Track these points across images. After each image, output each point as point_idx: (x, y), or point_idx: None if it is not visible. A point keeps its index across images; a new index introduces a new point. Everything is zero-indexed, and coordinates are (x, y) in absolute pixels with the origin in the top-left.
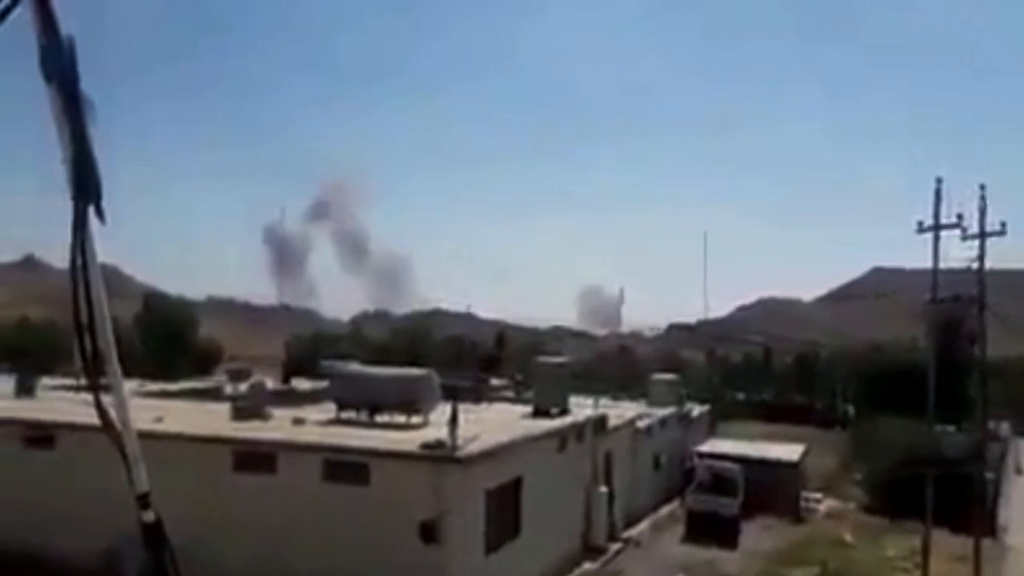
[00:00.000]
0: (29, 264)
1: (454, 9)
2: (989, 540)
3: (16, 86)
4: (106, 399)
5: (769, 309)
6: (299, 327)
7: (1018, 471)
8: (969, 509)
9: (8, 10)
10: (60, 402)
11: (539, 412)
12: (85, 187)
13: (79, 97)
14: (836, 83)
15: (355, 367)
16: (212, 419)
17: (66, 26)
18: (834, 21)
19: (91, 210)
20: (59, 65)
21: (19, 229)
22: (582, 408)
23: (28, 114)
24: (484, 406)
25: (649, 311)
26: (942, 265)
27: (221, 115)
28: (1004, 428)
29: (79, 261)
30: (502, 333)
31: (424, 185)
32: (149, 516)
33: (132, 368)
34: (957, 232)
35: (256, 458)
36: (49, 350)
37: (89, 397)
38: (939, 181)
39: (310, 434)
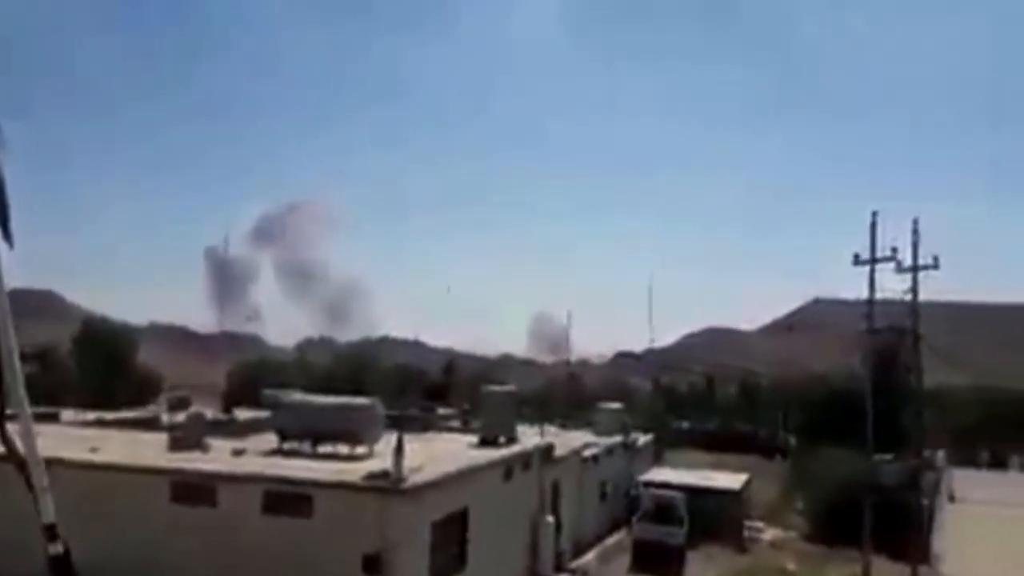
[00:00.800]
0: None
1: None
2: (925, 567)
3: None
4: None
5: (714, 338)
6: (242, 353)
7: (952, 499)
8: (906, 536)
9: None
10: None
11: (486, 441)
12: None
13: None
14: (777, 110)
15: (298, 396)
16: (149, 449)
17: None
18: (768, 47)
19: None
20: None
21: None
22: (529, 437)
23: None
24: (431, 436)
25: (597, 339)
26: (879, 296)
27: (175, 133)
28: (939, 457)
29: None
30: (450, 361)
31: (375, 212)
32: (56, 548)
33: (69, 395)
34: (893, 264)
35: (194, 489)
36: None
37: (10, 426)
38: (874, 215)
39: (250, 465)
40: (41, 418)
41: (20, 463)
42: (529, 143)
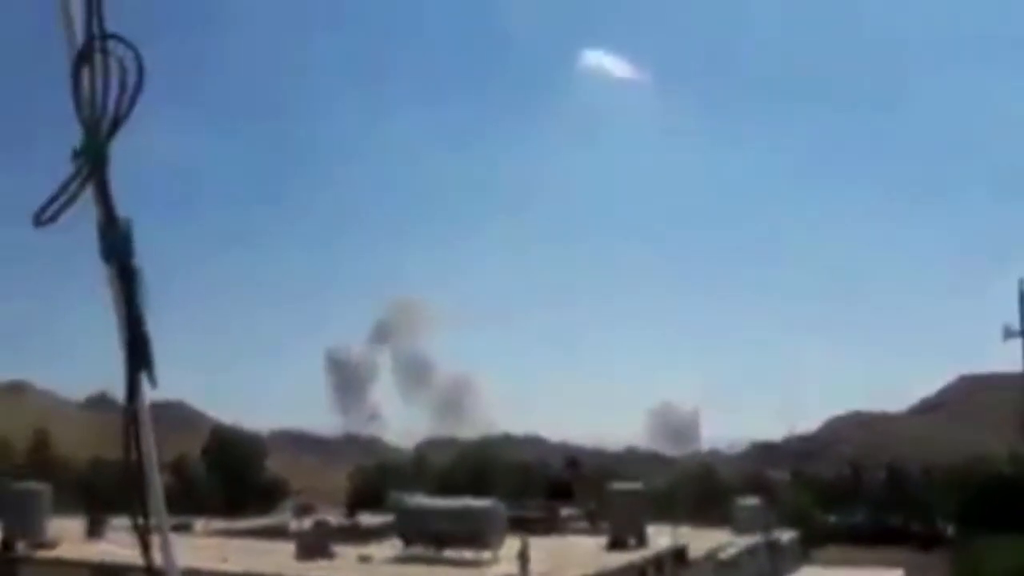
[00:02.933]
0: (103, 402)
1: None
2: None
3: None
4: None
5: (857, 423)
6: (363, 456)
7: None
8: None
9: (74, 197)
10: (128, 546)
11: (616, 543)
12: (137, 357)
13: (134, 275)
14: (907, 186)
15: (419, 499)
16: (277, 557)
17: (123, 208)
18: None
19: (144, 376)
20: (116, 245)
21: (91, 366)
22: (661, 537)
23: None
24: (556, 538)
25: (727, 427)
26: None
27: (289, 238)
28: None
29: (131, 426)
30: (574, 458)
31: (487, 306)
32: None
33: (201, 504)
34: None
35: None
36: (123, 490)
37: (158, 539)
38: (1022, 283)
39: (376, 573)
40: (175, 528)
41: (157, 575)
42: (644, 232)
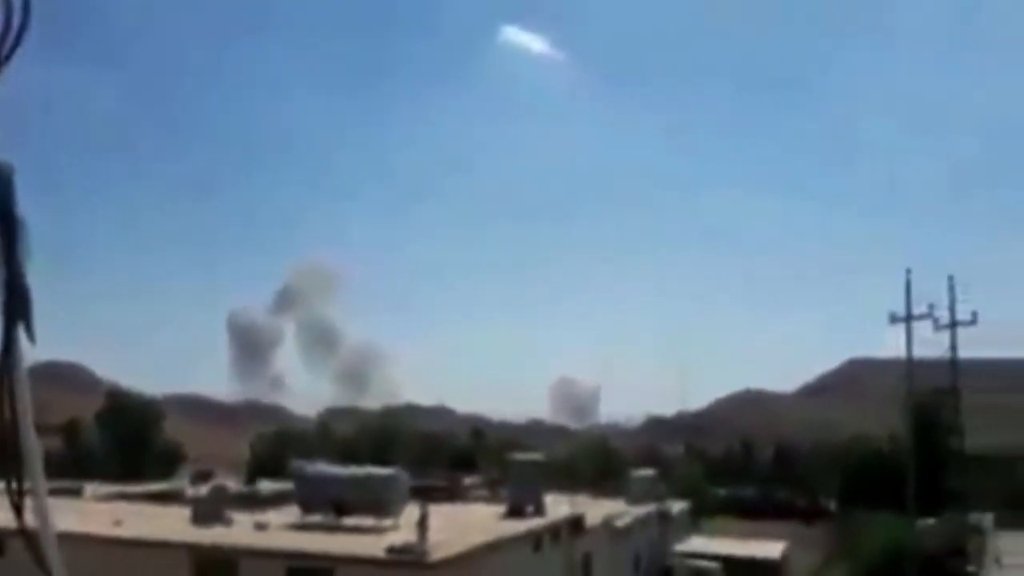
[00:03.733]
0: None
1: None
2: None
3: None
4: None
5: (748, 401)
6: (266, 424)
7: (998, 564)
8: None
9: None
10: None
11: (514, 512)
12: (15, 309)
13: (14, 222)
14: (810, 164)
15: (320, 467)
16: (172, 523)
17: (3, 151)
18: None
19: (21, 330)
20: None
21: None
22: (559, 506)
23: None
24: (457, 506)
25: (626, 402)
26: (918, 354)
27: (195, 205)
28: (987, 519)
29: (5, 382)
30: (477, 429)
31: (398, 277)
32: None
33: (94, 468)
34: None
35: (217, 564)
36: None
37: (50, 502)
38: (908, 272)
39: (273, 539)
40: (65, 492)
41: (31, 539)
42: (551, 209)
